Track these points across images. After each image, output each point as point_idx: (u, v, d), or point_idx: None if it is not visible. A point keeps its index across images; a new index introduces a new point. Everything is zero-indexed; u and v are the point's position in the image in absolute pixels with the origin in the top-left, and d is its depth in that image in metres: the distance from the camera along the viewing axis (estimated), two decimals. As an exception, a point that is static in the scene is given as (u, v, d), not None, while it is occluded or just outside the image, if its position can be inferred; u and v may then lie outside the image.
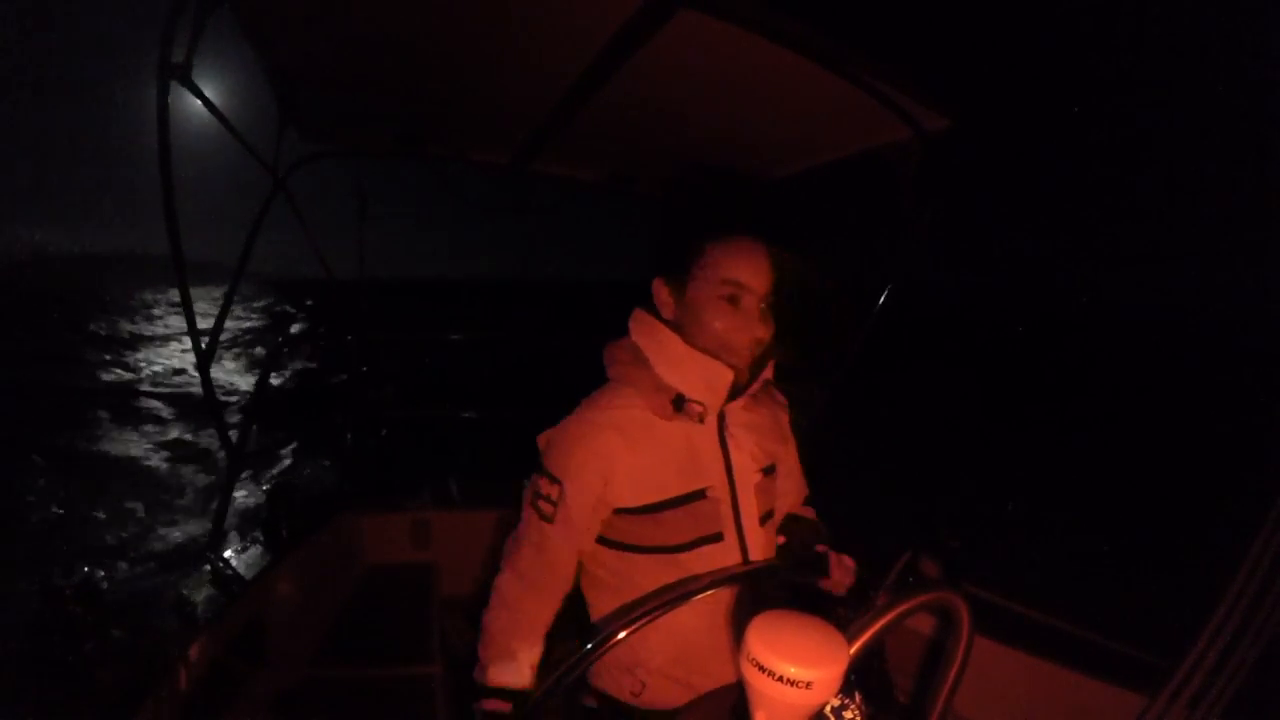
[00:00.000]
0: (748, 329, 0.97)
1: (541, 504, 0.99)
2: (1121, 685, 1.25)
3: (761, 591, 1.03)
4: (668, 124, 1.75)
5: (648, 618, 0.74)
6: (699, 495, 0.99)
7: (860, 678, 0.70)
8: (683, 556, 0.99)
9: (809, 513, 1.25)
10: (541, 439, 1.03)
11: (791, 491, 1.21)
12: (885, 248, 2.00)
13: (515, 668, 0.98)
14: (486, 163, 2.20)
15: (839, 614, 0.96)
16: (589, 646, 0.72)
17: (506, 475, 1.13)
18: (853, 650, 0.60)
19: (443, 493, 2.61)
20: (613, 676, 1.06)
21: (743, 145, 1.91)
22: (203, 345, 1.69)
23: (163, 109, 1.32)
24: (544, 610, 1.03)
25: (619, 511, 0.99)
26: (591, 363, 1.09)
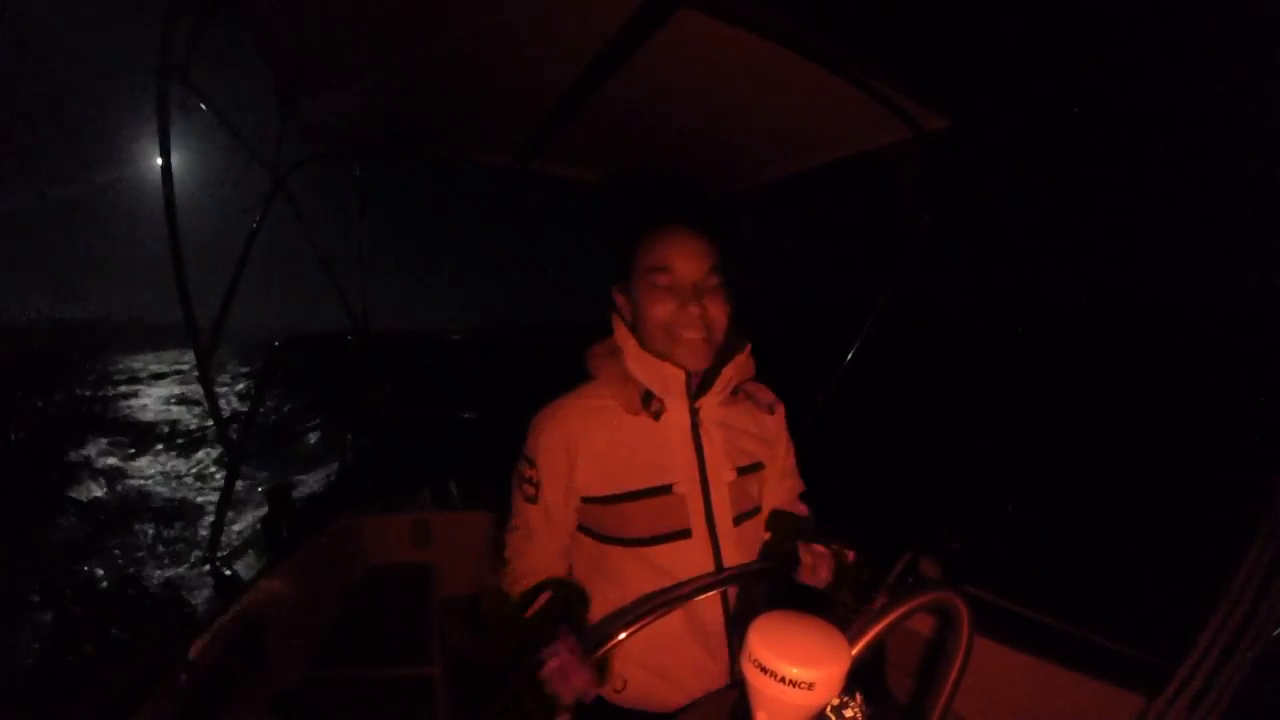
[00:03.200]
0: (686, 312, 0.97)
1: (525, 486, 1.04)
2: (1122, 686, 1.25)
3: (755, 591, 1.03)
4: (666, 125, 1.75)
5: (648, 618, 0.74)
6: (663, 490, 1.00)
7: (861, 678, 0.70)
8: (649, 551, 1.00)
9: (801, 508, 1.23)
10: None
11: (783, 492, 1.20)
12: (884, 248, 2.00)
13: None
14: (487, 162, 2.20)
15: (840, 615, 0.96)
16: (630, 618, 0.73)
17: (506, 476, 1.13)
18: (854, 651, 0.60)
19: (443, 494, 2.61)
20: None
21: (742, 144, 1.91)
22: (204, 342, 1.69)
23: (163, 108, 1.33)
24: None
25: (585, 500, 1.02)
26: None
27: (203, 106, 1.52)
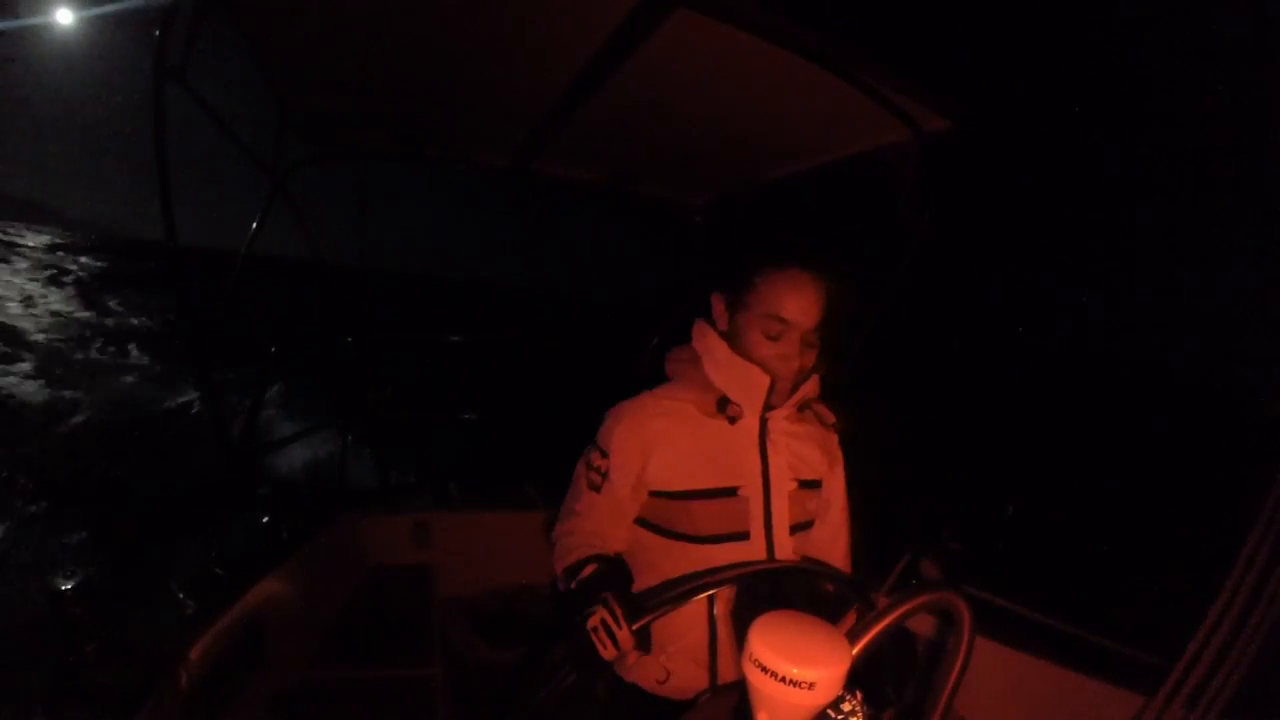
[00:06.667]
0: (787, 361, 1.02)
1: (591, 474, 1.08)
2: (1121, 685, 1.26)
3: (780, 592, 1.04)
4: (666, 124, 1.75)
5: (694, 595, 0.79)
6: (729, 492, 1.04)
7: (862, 678, 0.70)
8: (709, 549, 1.03)
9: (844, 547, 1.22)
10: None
11: (832, 523, 1.19)
12: (884, 253, 2.00)
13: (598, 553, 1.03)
14: (486, 164, 2.20)
15: (841, 615, 0.97)
16: (671, 593, 0.77)
17: (506, 476, 1.14)
18: (855, 651, 0.60)
19: (443, 494, 2.61)
20: (640, 666, 1.10)
21: (740, 146, 1.91)
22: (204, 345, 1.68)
23: (159, 109, 1.31)
24: None
25: (654, 494, 1.06)
26: (591, 368, 1.11)
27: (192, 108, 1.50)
